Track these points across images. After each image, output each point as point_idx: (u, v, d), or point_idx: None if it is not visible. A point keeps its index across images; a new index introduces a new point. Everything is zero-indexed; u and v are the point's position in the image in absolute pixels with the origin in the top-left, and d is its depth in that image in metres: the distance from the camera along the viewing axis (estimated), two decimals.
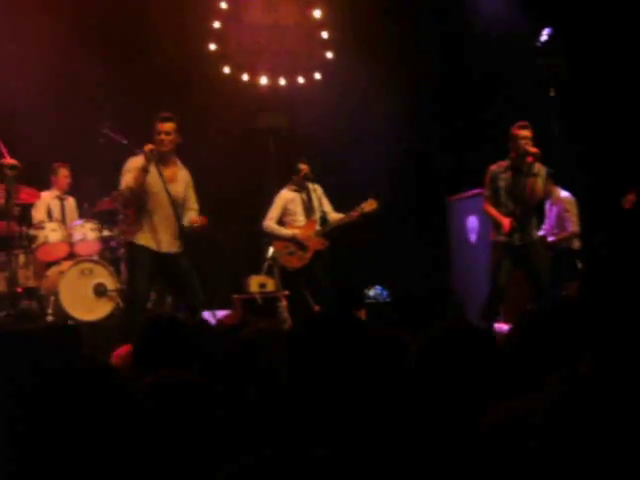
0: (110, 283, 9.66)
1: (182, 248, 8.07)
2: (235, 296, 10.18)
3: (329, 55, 12.73)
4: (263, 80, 12.63)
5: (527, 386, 2.83)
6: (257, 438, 2.66)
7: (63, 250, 9.84)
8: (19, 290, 9.58)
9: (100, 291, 9.60)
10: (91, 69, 10.97)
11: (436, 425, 2.54)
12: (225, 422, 2.59)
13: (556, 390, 1.95)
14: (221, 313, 9.41)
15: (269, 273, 10.40)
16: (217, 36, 12.32)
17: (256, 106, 12.43)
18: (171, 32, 11.42)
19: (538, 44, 10.06)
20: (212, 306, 8.27)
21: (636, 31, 11.04)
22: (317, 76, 12.76)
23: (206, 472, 2.36)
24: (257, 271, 10.52)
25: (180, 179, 8.16)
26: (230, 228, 11.39)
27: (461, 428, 2.43)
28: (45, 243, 9.70)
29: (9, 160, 8.61)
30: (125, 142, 8.67)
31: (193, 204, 8.26)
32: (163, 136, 7.94)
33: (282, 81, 12.72)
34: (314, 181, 10.07)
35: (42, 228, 9.78)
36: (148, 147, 7.83)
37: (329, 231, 9.95)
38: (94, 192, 10.54)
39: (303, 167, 9.97)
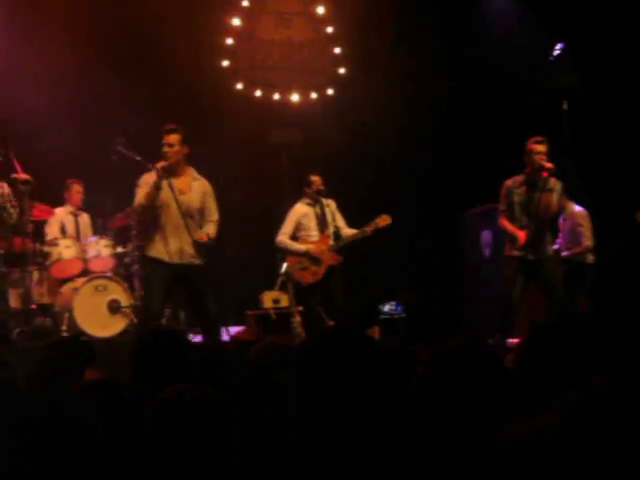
0: (124, 299, 9.65)
1: (198, 259, 8.10)
2: (249, 312, 10.16)
3: (342, 71, 12.75)
4: (276, 96, 12.65)
5: (537, 401, 2.82)
6: (270, 455, 2.66)
7: (77, 267, 9.85)
8: (33, 307, 9.57)
9: (114, 307, 9.60)
10: (105, 86, 11.01)
11: (447, 443, 2.52)
12: (240, 439, 2.58)
13: (572, 406, 1.94)
14: (235, 329, 9.45)
15: (283, 289, 10.37)
16: (230, 52, 12.36)
17: (269, 122, 12.45)
18: (184, 49, 11.47)
19: (551, 58, 10.06)
20: (226, 322, 8.29)
21: None
22: (330, 92, 12.78)
23: None
24: (271, 287, 10.49)
25: (195, 189, 8.17)
26: (243, 244, 11.40)
27: (474, 446, 2.42)
28: (59, 260, 9.72)
29: (22, 175, 8.64)
30: (138, 158, 8.69)
31: (211, 215, 8.26)
32: (166, 148, 7.97)
33: (295, 97, 12.74)
34: (327, 196, 10.06)
35: (56, 245, 9.80)
36: (160, 164, 7.87)
37: (343, 246, 9.94)
38: (108, 209, 10.56)
39: (315, 179, 9.96)
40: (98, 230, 10.46)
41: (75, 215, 10.58)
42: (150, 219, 8.13)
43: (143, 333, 4.43)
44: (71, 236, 10.26)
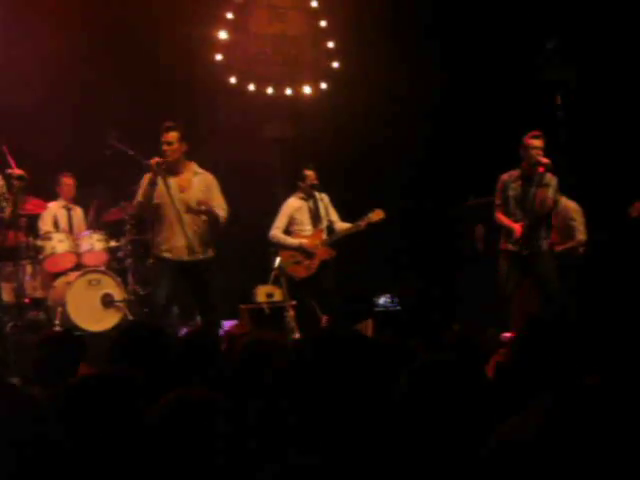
0: (117, 294, 9.66)
1: (205, 253, 8.17)
2: (242, 306, 10.17)
3: (335, 65, 12.73)
4: (269, 90, 12.63)
5: (526, 397, 2.82)
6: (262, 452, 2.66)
7: (70, 261, 9.84)
8: (26, 301, 9.59)
9: (107, 302, 9.61)
10: (98, 80, 11.00)
11: (436, 442, 2.53)
12: (233, 436, 2.59)
13: (557, 405, 1.94)
14: (228, 323, 9.46)
15: (276, 283, 10.38)
16: (223, 46, 12.33)
17: (262, 116, 12.44)
18: (177, 42, 11.44)
19: (544, 52, 10.07)
20: (220, 316, 8.36)
21: None
22: (323, 86, 12.77)
23: None
24: (264, 281, 10.50)
25: (196, 185, 8.22)
26: (236, 238, 11.39)
27: (461, 450, 2.42)
28: (52, 254, 9.71)
29: (17, 171, 8.62)
30: (131, 152, 8.71)
31: (219, 205, 8.31)
32: (165, 146, 8.02)
33: (288, 91, 12.72)
34: (321, 190, 10.06)
35: (49, 239, 9.79)
36: (154, 160, 7.89)
37: (336, 241, 9.94)
38: (102, 203, 10.57)
39: (309, 173, 9.96)
40: (91, 223, 10.47)
41: (68, 209, 10.56)
42: (151, 216, 8.20)
43: (122, 327, 4.46)
44: (64, 230, 10.26)
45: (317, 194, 10.01)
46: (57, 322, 9.40)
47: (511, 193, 8.60)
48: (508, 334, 8.97)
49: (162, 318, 8.32)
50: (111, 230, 10.33)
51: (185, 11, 11.58)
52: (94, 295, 9.57)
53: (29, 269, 9.73)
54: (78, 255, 9.86)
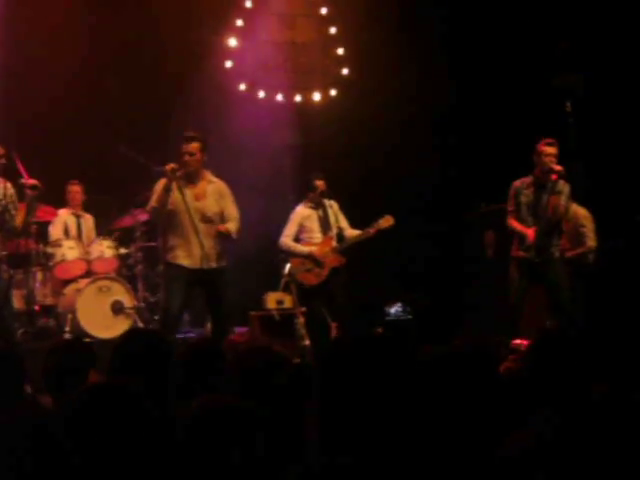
0: (127, 300, 9.67)
1: (219, 262, 8.19)
2: (252, 313, 10.17)
3: (345, 71, 12.74)
4: (279, 97, 12.65)
5: (543, 404, 2.82)
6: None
7: (80, 268, 9.86)
8: (37, 308, 9.61)
9: (117, 308, 9.61)
10: (108, 88, 11.03)
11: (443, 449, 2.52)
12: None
13: (563, 420, 1.94)
14: (240, 330, 9.49)
15: (286, 290, 10.38)
16: (233, 53, 12.35)
17: (272, 123, 12.43)
18: (187, 49, 11.48)
19: (556, 55, 10.07)
20: (231, 323, 8.39)
21: None
22: (333, 93, 12.77)
23: None
24: (274, 288, 10.50)
25: (210, 194, 8.25)
26: (247, 244, 11.39)
27: (474, 454, 2.42)
28: (63, 261, 9.74)
29: (30, 180, 8.64)
30: (142, 160, 8.74)
31: (230, 215, 8.34)
32: (187, 157, 8.05)
33: (298, 98, 12.73)
34: (330, 197, 10.06)
35: (59, 246, 9.81)
36: (169, 166, 7.91)
37: (346, 248, 9.94)
38: (112, 210, 10.60)
39: (319, 183, 9.97)
40: (101, 231, 10.50)
41: (77, 216, 10.57)
42: (163, 222, 8.21)
43: (125, 334, 4.46)
44: (74, 237, 10.27)
45: (326, 201, 10.01)
46: (67, 329, 9.41)
47: (523, 200, 8.60)
48: (518, 341, 8.96)
49: (175, 328, 8.35)
50: (121, 237, 10.35)
51: (195, 18, 11.61)
52: (104, 302, 9.58)
53: (39, 276, 9.76)
54: (88, 262, 9.88)
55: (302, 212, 10.04)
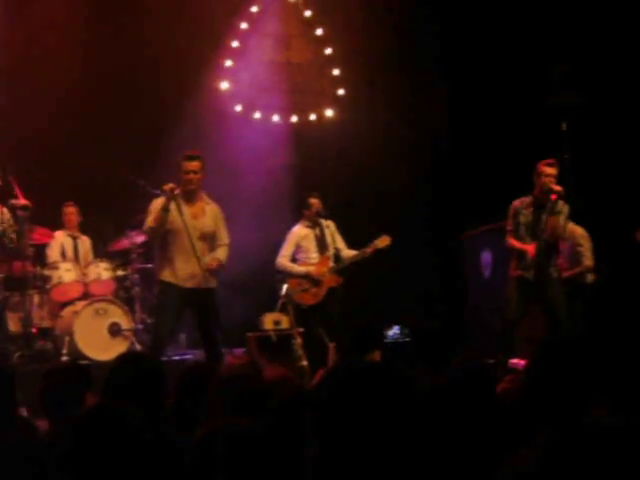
0: (125, 322, 9.66)
1: (210, 282, 8.18)
2: (249, 334, 10.15)
3: (340, 92, 12.76)
4: (275, 118, 12.67)
5: (542, 424, 2.81)
6: None
7: (77, 290, 9.85)
8: (34, 330, 9.59)
9: (115, 330, 9.60)
10: (104, 110, 11.05)
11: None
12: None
13: (560, 443, 1.93)
14: (238, 351, 9.47)
15: (283, 310, 10.37)
16: (229, 74, 12.38)
17: (268, 144, 12.44)
18: (183, 71, 11.50)
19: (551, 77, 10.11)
20: (229, 344, 8.36)
21: None
22: (329, 113, 12.80)
23: None
24: (271, 309, 10.49)
25: (208, 213, 8.27)
26: (244, 265, 11.38)
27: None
28: (59, 283, 9.72)
29: (21, 201, 8.64)
30: (141, 183, 8.77)
31: (222, 239, 8.40)
32: (191, 175, 8.07)
33: (294, 118, 12.76)
34: (327, 217, 10.07)
35: (56, 268, 9.80)
36: (168, 186, 7.92)
37: (343, 268, 9.94)
38: (109, 232, 10.61)
39: (314, 202, 9.98)
40: (98, 253, 10.49)
41: (74, 238, 10.58)
42: (159, 242, 8.21)
43: (119, 358, 4.46)
44: (70, 259, 10.27)
45: (323, 221, 10.02)
46: (65, 352, 9.39)
47: (522, 220, 8.62)
48: (515, 360, 8.96)
49: (164, 348, 8.36)
50: (118, 259, 10.36)
51: (191, 39, 11.63)
52: (101, 324, 9.56)
53: (36, 299, 9.74)
54: (85, 284, 9.87)
55: (299, 232, 10.04)
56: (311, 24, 12.80)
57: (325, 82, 12.88)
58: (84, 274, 9.92)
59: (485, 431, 2.63)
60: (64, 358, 9.23)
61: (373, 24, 11.99)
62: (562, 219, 8.54)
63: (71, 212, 10.54)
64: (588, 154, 10.87)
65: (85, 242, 10.68)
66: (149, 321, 10.20)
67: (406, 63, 12.15)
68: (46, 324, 9.83)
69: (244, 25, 12.45)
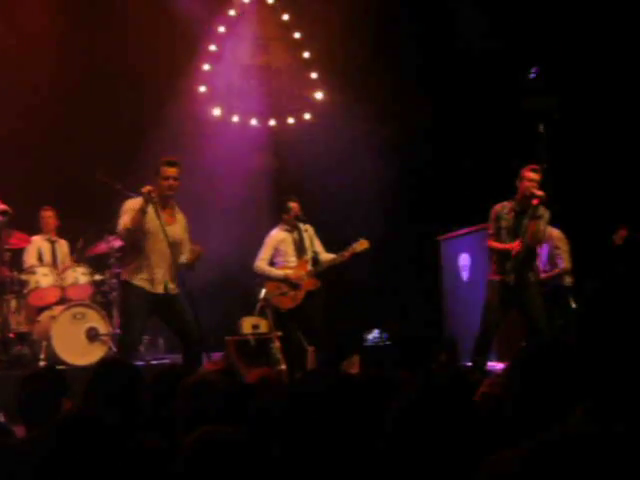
0: (102, 327, 9.62)
1: (178, 289, 8.12)
2: (227, 338, 10.14)
3: (318, 95, 12.77)
4: (253, 121, 12.67)
5: (526, 429, 2.81)
6: None
7: (55, 295, 9.80)
8: (11, 335, 9.54)
9: (92, 335, 9.56)
10: (82, 113, 11.02)
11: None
12: None
13: (546, 447, 1.93)
14: (216, 355, 9.43)
15: (262, 314, 10.36)
16: (206, 78, 12.37)
17: (246, 148, 12.45)
18: (161, 74, 11.48)
19: (527, 80, 10.14)
20: (208, 348, 8.30)
21: (624, 65, 11.12)
22: (307, 116, 12.80)
23: None
24: (250, 312, 10.48)
25: (179, 221, 8.21)
26: (222, 269, 11.37)
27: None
28: (37, 288, 9.68)
29: (0, 206, 8.60)
30: (118, 187, 8.71)
31: (186, 247, 8.29)
32: (171, 181, 7.99)
33: (272, 122, 12.76)
34: (305, 221, 10.05)
35: (33, 273, 9.76)
36: (146, 189, 7.83)
37: (321, 271, 9.93)
38: (86, 235, 10.55)
39: (293, 205, 9.95)
40: (76, 257, 10.44)
41: (52, 242, 10.53)
42: (134, 244, 8.11)
43: (100, 363, 4.45)
44: (48, 263, 10.22)
45: (302, 225, 10.00)
46: (42, 357, 9.35)
47: (503, 224, 8.63)
48: (493, 363, 8.99)
49: (134, 353, 8.33)
50: (96, 263, 10.32)
51: (169, 43, 11.62)
52: (79, 329, 9.53)
53: (14, 303, 9.69)
54: (62, 289, 9.82)
55: (277, 236, 10.02)
56: (289, 28, 12.81)
57: (303, 86, 12.89)
58: (62, 278, 9.88)
59: (463, 436, 2.62)
60: (42, 363, 9.19)
61: (351, 28, 11.99)
62: (542, 224, 8.56)
63: (49, 216, 10.49)
64: (564, 157, 10.90)
65: (63, 246, 10.63)
66: None
67: (384, 66, 12.16)
68: (23, 329, 9.77)
69: (222, 29, 12.45)
